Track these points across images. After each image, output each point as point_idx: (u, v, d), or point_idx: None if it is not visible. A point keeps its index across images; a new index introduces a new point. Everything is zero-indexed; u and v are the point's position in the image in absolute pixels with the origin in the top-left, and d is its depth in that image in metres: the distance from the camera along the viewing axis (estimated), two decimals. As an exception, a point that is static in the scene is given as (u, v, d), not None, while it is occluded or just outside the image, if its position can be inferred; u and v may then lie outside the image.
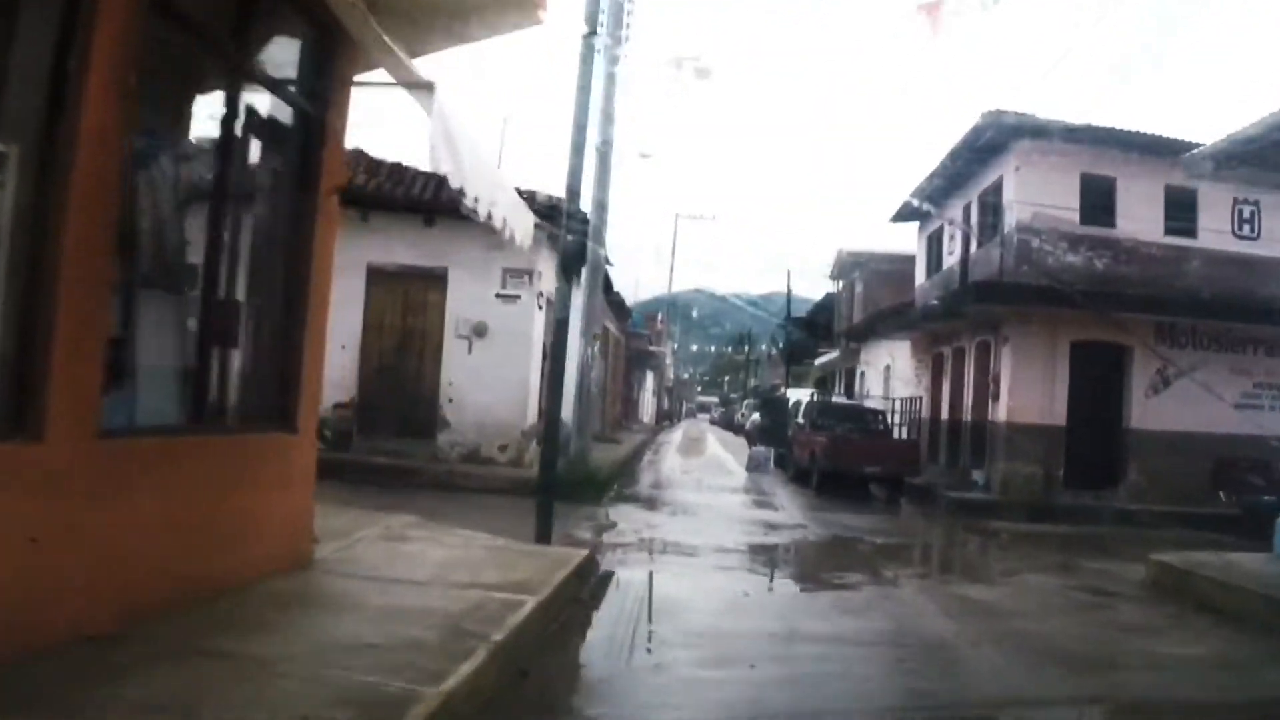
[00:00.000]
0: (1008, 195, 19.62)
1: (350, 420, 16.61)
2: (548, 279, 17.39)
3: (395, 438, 16.67)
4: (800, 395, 28.20)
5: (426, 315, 16.88)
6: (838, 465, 18.25)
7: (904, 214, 27.05)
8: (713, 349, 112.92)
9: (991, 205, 20.96)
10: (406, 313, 16.95)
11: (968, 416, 21.14)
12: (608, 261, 19.30)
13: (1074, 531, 16.00)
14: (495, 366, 16.33)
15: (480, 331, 16.37)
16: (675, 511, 14.61)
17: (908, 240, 29.37)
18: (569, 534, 11.04)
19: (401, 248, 16.70)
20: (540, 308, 17.10)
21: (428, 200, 16.36)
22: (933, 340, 24.31)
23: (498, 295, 16.42)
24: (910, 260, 37.07)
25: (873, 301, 36.14)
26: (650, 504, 15.27)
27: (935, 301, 20.68)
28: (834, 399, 22.35)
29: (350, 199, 17.68)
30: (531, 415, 16.90)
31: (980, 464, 19.58)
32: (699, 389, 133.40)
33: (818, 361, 44.65)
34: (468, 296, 16.45)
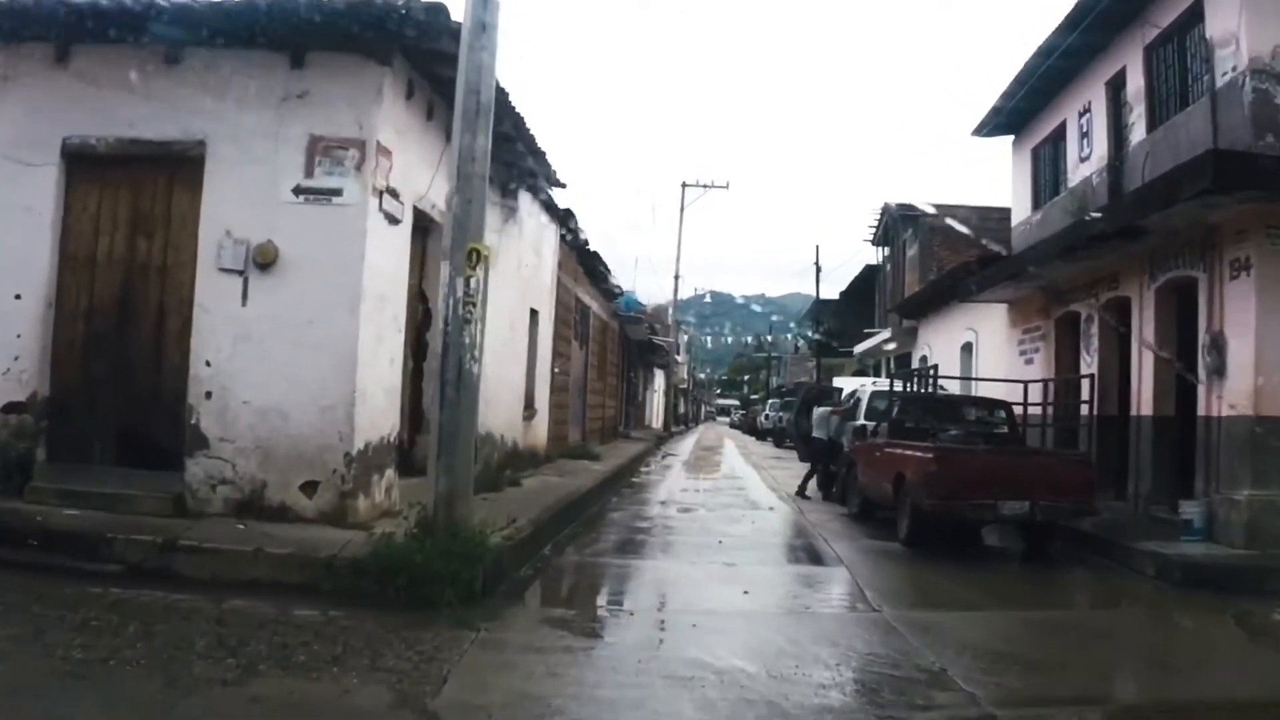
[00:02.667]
0: (1223, 23, 11.47)
1: (31, 435, 8.67)
2: (407, 165, 9.36)
3: (114, 466, 8.75)
4: (858, 385, 19.69)
5: (169, 234, 8.87)
6: (953, 501, 10.05)
7: (998, 119, 18.92)
8: (729, 339, 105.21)
9: (1176, 56, 12.87)
10: (135, 231, 8.94)
11: (1143, 409, 12.94)
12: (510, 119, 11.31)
13: None
14: (294, 329, 8.34)
15: (265, 261, 8.37)
16: (627, 647, 6.20)
17: (976, 184, 21.19)
18: None
19: (124, 107, 8.71)
20: (395, 220, 9.08)
21: (170, 8, 8.37)
22: (1055, 297, 16.14)
23: (299, 191, 8.43)
24: (981, 213, 29.23)
25: (932, 267, 28.13)
26: (584, 616, 7.00)
27: (1094, 215, 12.53)
28: (939, 387, 13.34)
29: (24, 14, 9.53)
30: (373, 424, 8.87)
31: (1184, 489, 11.44)
32: (718, 391, 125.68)
33: (858, 349, 36.38)
34: (242, 194, 8.46)
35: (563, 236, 18.65)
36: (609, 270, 23.54)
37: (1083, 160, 16.14)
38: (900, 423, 12.35)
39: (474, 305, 7.39)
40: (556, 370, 18.72)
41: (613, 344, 30.16)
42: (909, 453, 10.94)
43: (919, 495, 10.31)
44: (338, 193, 8.40)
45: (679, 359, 59.96)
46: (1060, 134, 17.30)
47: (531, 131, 11.84)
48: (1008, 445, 12.12)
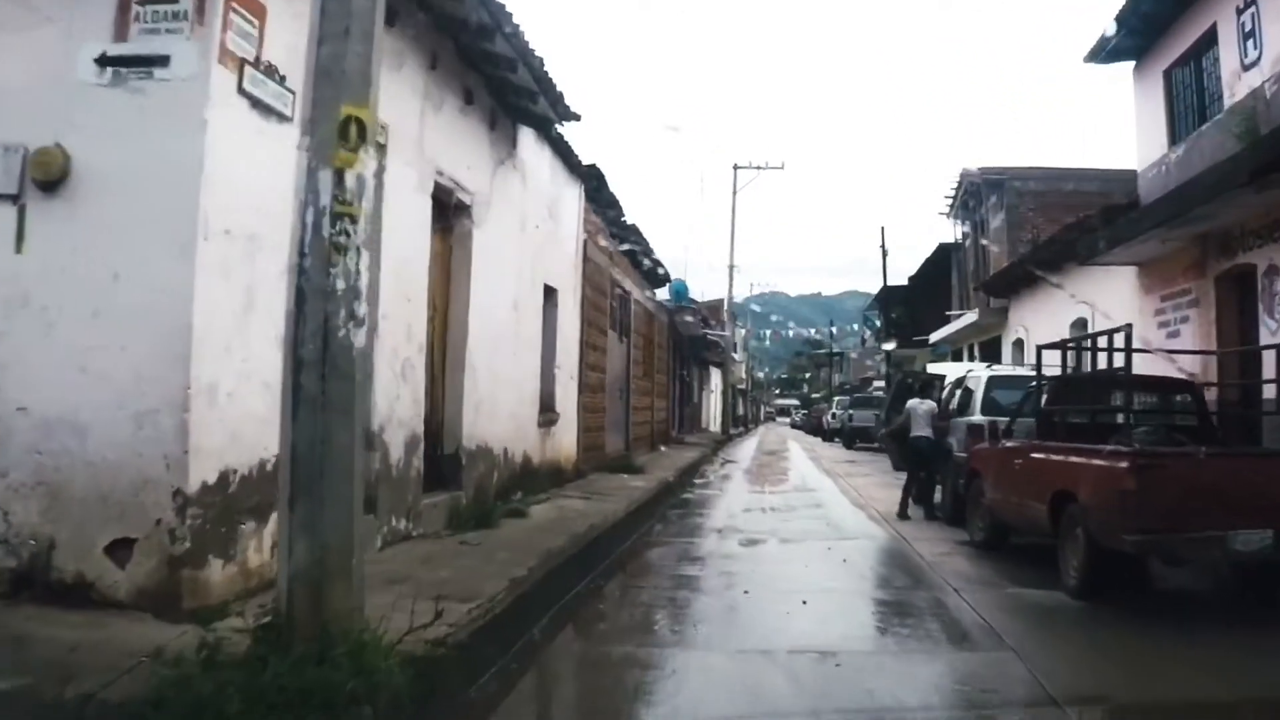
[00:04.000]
0: None
1: None
2: (301, 36, 6.04)
3: None
4: (963, 370, 15.68)
5: (-83, 149, 5.69)
6: (1164, 535, 6.49)
7: (1117, 39, 15.26)
8: (790, 332, 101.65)
9: None
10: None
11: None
12: None
13: None
14: (95, 288, 5.07)
15: (48, 177, 5.14)
16: None
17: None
18: None
19: None
20: (272, 114, 5.79)
21: None
22: (1217, 248, 12.55)
23: (105, 63, 5.19)
24: (1077, 176, 25.57)
25: (1024, 236, 24.51)
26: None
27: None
28: (1125, 362, 8.95)
29: None
30: (237, 440, 5.54)
31: None
32: (776, 391, 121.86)
33: (934, 337, 32.56)
34: (17, 74, 5.26)
35: (591, 202, 15.34)
36: (650, 248, 20.14)
37: (1247, 68, 12.45)
38: (1052, 416, 8.76)
39: (354, 221, 4.06)
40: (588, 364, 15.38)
41: (661, 338, 26.75)
42: (1082, 460, 7.36)
43: (1107, 525, 6.74)
44: (163, 61, 5.13)
45: (736, 356, 56.27)
46: (1208, 42, 13.61)
47: (522, 29, 8.56)
48: (1232, 447, 8.48)
